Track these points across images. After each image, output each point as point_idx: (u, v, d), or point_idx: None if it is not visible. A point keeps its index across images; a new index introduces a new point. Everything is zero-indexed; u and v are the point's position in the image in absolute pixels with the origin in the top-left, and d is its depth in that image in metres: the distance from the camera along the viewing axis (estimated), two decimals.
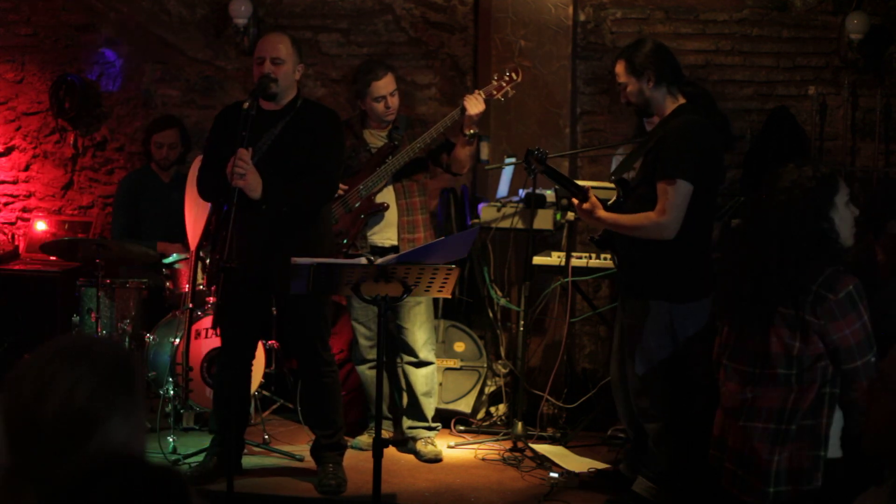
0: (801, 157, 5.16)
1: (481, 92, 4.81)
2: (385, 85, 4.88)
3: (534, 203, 5.07)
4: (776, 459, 3.11)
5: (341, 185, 4.82)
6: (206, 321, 5.08)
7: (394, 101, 4.92)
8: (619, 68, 4.21)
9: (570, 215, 5.28)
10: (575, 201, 4.26)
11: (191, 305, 5.02)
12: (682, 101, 4.19)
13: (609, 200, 4.27)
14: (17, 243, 6.55)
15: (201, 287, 5.16)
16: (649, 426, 4.19)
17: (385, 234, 4.94)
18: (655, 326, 4.08)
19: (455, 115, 4.81)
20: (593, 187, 4.33)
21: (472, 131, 4.79)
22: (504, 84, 4.90)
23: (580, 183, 4.40)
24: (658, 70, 4.14)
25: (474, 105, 4.74)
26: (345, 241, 4.86)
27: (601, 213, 4.17)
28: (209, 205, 4.96)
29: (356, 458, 4.80)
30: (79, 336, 1.71)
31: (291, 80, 4.41)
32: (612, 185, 4.39)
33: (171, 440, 4.82)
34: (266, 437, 5.05)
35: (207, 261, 4.87)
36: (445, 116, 4.87)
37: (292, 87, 4.43)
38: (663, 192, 4.00)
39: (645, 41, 4.31)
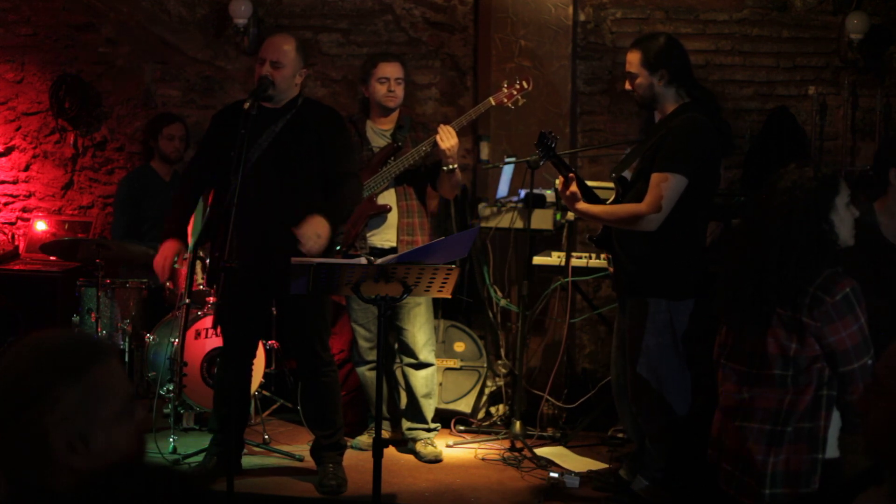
0: (802, 157, 5.16)
1: (454, 125, 4.74)
2: (393, 69, 4.88)
3: (533, 203, 5.07)
4: (771, 461, 3.10)
5: None
6: (207, 321, 5.08)
7: (398, 89, 4.88)
8: (633, 58, 4.16)
9: (570, 215, 5.28)
10: (559, 184, 4.25)
11: (188, 300, 4.98)
12: (686, 100, 4.18)
13: (608, 199, 4.27)
14: (17, 243, 6.55)
15: (201, 287, 5.16)
16: (648, 425, 4.20)
17: (385, 235, 4.92)
18: (655, 325, 4.09)
19: (428, 145, 4.76)
20: (594, 187, 4.32)
21: (451, 166, 4.73)
22: (514, 92, 4.90)
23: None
24: (672, 69, 4.12)
25: (445, 138, 4.67)
26: (339, 248, 4.83)
27: (579, 205, 4.18)
28: (203, 205, 4.94)
29: (356, 458, 4.80)
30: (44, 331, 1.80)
31: (291, 83, 4.37)
32: (612, 185, 4.39)
33: (171, 440, 4.82)
34: (266, 437, 5.05)
35: (207, 261, 4.86)
36: (423, 142, 4.79)
37: (291, 89, 4.40)
38: (656, 184, 3.99)
39: (660, 36, 4.28)
